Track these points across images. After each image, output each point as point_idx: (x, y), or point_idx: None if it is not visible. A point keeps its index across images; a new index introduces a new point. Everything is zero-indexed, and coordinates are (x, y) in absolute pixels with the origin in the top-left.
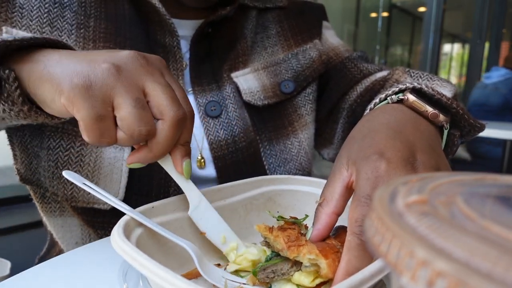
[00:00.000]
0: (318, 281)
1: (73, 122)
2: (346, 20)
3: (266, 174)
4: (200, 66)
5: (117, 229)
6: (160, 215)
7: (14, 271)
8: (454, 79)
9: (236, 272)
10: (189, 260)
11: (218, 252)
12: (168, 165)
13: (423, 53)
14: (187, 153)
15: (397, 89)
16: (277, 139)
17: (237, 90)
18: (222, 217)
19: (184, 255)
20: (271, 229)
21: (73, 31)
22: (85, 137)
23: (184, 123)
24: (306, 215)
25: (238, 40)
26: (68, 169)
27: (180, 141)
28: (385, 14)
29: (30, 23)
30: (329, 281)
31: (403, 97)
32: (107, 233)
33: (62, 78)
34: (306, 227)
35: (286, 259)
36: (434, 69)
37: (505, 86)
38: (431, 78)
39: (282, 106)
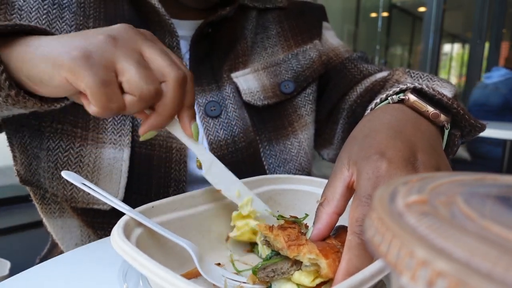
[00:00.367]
0: (318, 280)
1: (72, 122)
2: (346, 20)
3: (265, 174)
4: (200, 66)
5: (117, 229)
6: (160, 214)
7: (14, 271)
8: (454, 79)
9: (236, 272)
10: (189, 259)
11: (218, 252)
12: (177, 130)
13: (423, 53)
14: (194, 116)
15: (398, 89)
16: (277, 139)
17: (237, 90)
18: (231, 173)
19: (184, 255)
20: (271, 228)
21: (72, 32)
22: (92, 107)
23: (185, 83)
24: (306, 214)
25: (238, 41)
26: (68, 169)
27: (185, 104)
28: (385, 14)
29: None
30: (329, 281)
31: (404, 97)
32: (107, 234)
33: (59, 54)
34: (307, 227)
35: (286, 258)
36: (434, 69)
37: (505, 86)
38: (431, 79)
39: (282, 107)
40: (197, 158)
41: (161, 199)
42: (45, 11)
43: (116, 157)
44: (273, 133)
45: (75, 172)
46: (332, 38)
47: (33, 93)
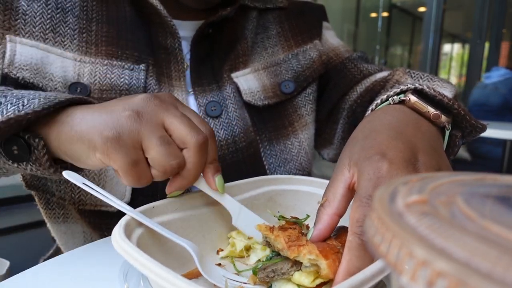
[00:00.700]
0: (318, 281)
1: None
2: (346, 20)
3: (266, 174)
4: (201, 67)
5: (118, 229)
6: (161, 214)
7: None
8: (454, 79)
9: (237, 272)
10: (190, 259)
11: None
12: (202, 185)
13: (423, 53)
14: (217, 170)
15: (398, 90)
16: (277, 139)
17: (237, 90)
18: (260, 218)
19: (185, 255)
20: (271, 228)
21: (75, 36)
22: (124, 181)
23: (207, 146)
24: (307, 215)
25: (239, 41)
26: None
27: (208, 161)
28: (385, 14)
29: (33, 29)
30: (330, 281)
31: (404, 98)
32: None
33: (92, 134)
34: (308, 227)
35: (287, 258)
36: (434, 69)
37: (505, 86)
38: (431, 79)
39: (282, 106)
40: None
41: None
42: (49, 16)
43: None
44: (273, 133)
45: (81, 174)
46: (332, 38)
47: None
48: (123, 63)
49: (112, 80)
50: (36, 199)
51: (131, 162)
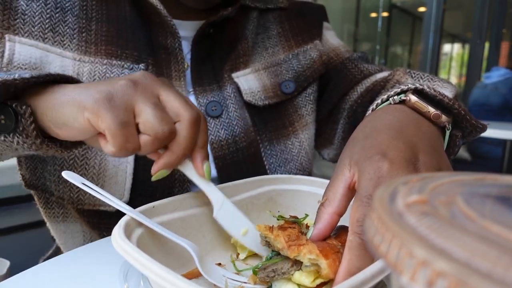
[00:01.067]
0: (318, 281)
1: None
2: (346, 20)
3: (266, 174)
4: (201, 67)
5: (118, 229)
6: (161, 214)
7: (14, 271)
8: (454, 79)
9: (237, 272)
10: (190, 259)
11: (219, 252)
12: (189, 169)
13: (423, 53)
14: (206, 156)
15: (399, 90)
16: (278, 139)
17: (238, 90)
18: (242, 214)
19: (185, 255)
20: (271, 228)
21: (75, 35)
22: (109, 146)
23: (199, 123)
24: (306, 214)
25: (239, 41)
26: (74, 172)
27: (198, 144)
28: (385, 14)
29: (33, 29)
30: (330, 281)
31: (405, 98)
32: None
33: (84, 97)
34: (307, 227)
35: (287, 258)
36: (434, 69)
37: (505, 86)
38: (431, 79)
39: (282, 106)
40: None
41: None
42: (48, 15)
43: (121, 159)
44: (273, 133)
45: (80, 174)
46: (332, 38)
47: (54, 138)
48: (123, 63)
49: None
50: (36, 198)
51: (120, 123)
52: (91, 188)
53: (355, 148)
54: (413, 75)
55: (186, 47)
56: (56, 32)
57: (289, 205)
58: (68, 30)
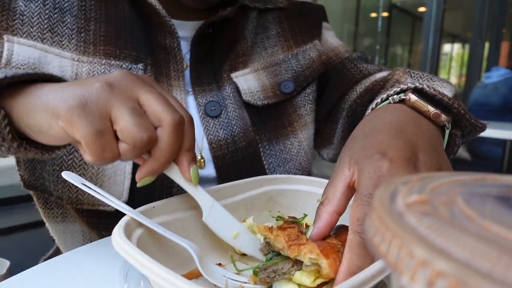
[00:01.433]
0: (319, 281)
1: None
2: (346, 20)
3: (265, 174)
4: (200, 67)
5: (118, 230)
6: (161, 215)
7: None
8: (454, 79)
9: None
10: (190, 260)
11: (219, 252)
12: (175, 174)
13: (423, 53)
14: (193, 159)
15: (398, 89)
16: (277, 139)
17: (237, 90)
18: (233, 217)
19: (185, 255)
20: (270, 229)
21: (73, 36)
22: (87, 156)
23: (182, 127)
24: (304, 214)
25: (238, 41)
26: (73, 172)
27: (183, 148)
28: (385, 14)
29: (31, 30)
30: (331, 281)
31: (404, 97)
32: None
33: (57, 103)
34: (307, 227)
35: (287, 258)
36: (434, 69)
37: (505, 86)
38: (431, 79)
39: (282, 106)
40: (197, 157)
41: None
42: (46, 16)
43: None
44: (273, 132)
45: (79, 174)
46: (332, 39)
47: (35, 141)
48: (121, 63)
49: None
50: (35, 198)
51: (95, 132)
52: (91, 188)
53: (354, 147)
54: (413, 75)
55: (185, 47)
56: (55, 33)
57: (289, 205)
58: (66, 30)
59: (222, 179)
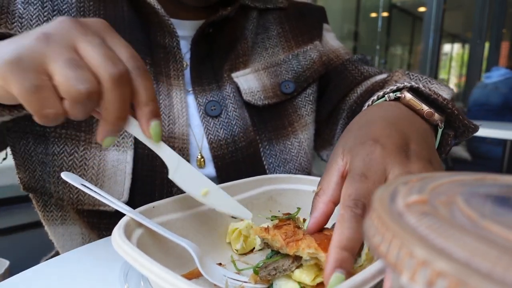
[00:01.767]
0: (319, 279)
1: (75, 127)
2: (346, 20)
3: (265, 174)
4: (201, 66)
5: (118, 230)
6: (161, 215)
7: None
8: (454, 79)
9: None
10: (190, 260)
11: (219, 252)
12: (136, 131)
13: (423, 53)
14: (154, 114)
15: (394, 87)
16: (277, 139)
17: (237, 90)
18: (200, 174)
19: (185, 255)
20: (267, 229)
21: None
22: (31, 111)
23: (125, 81)
24: (298, 208)
25: (239, 41)
26: (73, 173)
27: (140, 102)
28: (385, 14)
29: None
30: None
31: (400, 95)
32: None
33: None
34: (304, 221)
35: (287, 255)
36: (434, 69)
37: (505, 86)
38: (429, 81)
39: (282, 107)
40: (197, 156)
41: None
42: (45, 18)
43: (120, 159)
44: (273, 133)
45: (80, 175)
46: (332, 40)
47: None
48: None
49: None
50: (34, 201)
51: (30, 88)
52: (90, 189)
53: (349, 139)
54: (412, 77)
55: (185, 46)
56: None
57: (289, 205)
58: None
59: (222, 179)
